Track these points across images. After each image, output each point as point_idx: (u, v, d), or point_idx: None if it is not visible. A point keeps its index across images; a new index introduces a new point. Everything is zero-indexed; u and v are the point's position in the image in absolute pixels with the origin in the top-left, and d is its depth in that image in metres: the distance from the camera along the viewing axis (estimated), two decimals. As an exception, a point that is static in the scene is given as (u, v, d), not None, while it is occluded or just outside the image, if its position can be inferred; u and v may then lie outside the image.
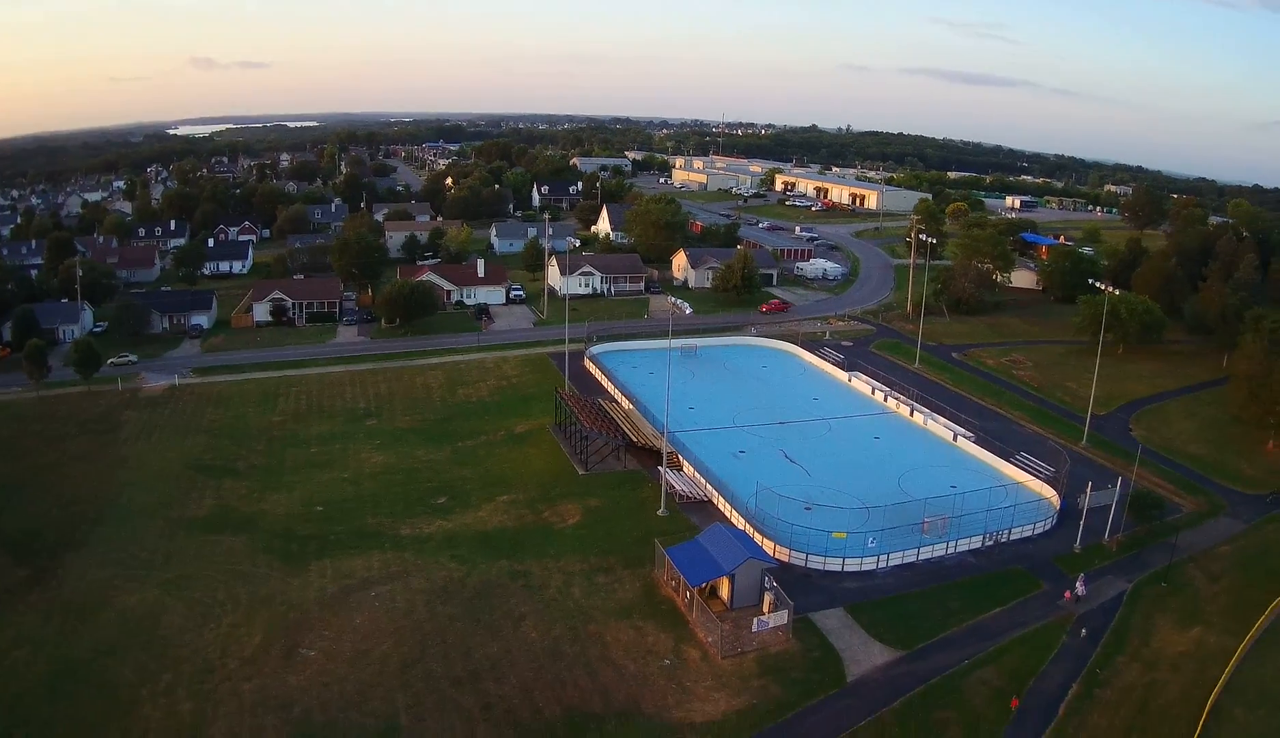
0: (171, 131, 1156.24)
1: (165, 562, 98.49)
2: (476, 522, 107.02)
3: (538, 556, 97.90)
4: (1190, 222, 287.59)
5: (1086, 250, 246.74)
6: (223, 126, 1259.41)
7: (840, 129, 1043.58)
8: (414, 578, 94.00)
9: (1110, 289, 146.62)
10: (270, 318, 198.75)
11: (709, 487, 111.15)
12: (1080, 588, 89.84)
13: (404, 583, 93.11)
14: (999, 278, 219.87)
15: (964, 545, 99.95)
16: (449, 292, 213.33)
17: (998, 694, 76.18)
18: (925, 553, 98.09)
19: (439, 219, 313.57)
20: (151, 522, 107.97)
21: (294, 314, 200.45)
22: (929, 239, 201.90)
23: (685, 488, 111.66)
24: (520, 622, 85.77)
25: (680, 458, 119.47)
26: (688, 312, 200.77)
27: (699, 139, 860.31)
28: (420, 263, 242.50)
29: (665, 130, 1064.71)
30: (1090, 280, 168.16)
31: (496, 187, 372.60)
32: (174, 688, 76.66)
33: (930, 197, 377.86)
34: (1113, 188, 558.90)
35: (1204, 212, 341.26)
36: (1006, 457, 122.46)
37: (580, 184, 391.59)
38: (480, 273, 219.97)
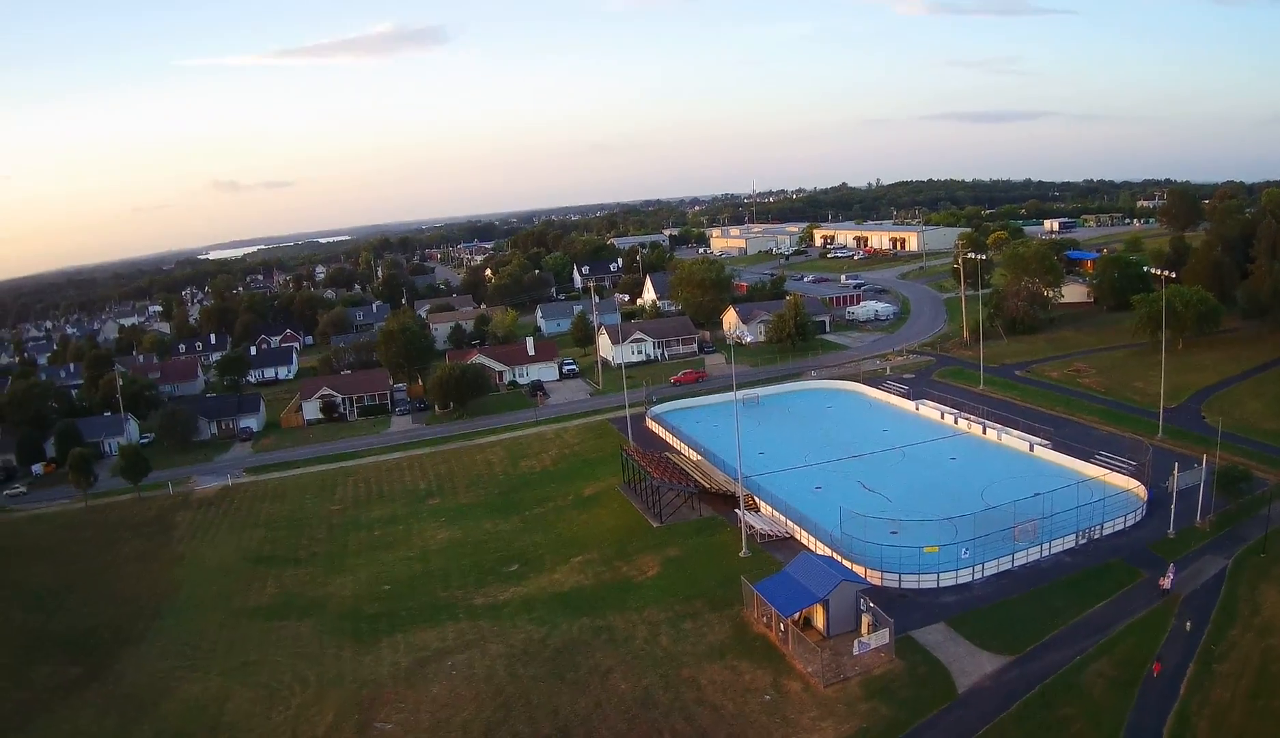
0: (202, 256, 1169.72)
1: (229, 650, 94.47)
2: (552, 584, 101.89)
3: (619, 609, 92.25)
4: (1229, 213, 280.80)
5: (1133, 258, 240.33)
6: (253, 248, 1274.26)
7: (870, 184, 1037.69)
8: (491, 644, 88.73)
9: (1167, 274, 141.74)
10: (321, 415, 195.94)
11: (789, 523, 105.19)
12: (1170, 578, 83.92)
13: (481, 650, 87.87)
14: (1049, 294, 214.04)
15: (1058, 546, 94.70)
16: (500, 372, 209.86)
17: (1114, 684, 70.56)
18: (1020, 559, 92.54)
19: (483, 306, 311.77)
20: (212, 614, 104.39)
21: (344, 409, 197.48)
22: (978, 256, 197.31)
23: (765, 527, 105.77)
24: (608, 675, 80.00)
25: (756, 499, 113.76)
26: (748, 339, 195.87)
27: (732, 211, 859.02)
28: (469, 348, 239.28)
29: (697, 206, 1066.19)
30: (1145, 269, 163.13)
31: (536, 272, 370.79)
32: (244, 775, 71.91)
33: (971, 230, 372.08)
34: (1145, 203, 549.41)
35: (1240, 203, 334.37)
36: (1086, 457, 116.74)
37: (620, 261, 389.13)
38: (530, 351, 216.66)
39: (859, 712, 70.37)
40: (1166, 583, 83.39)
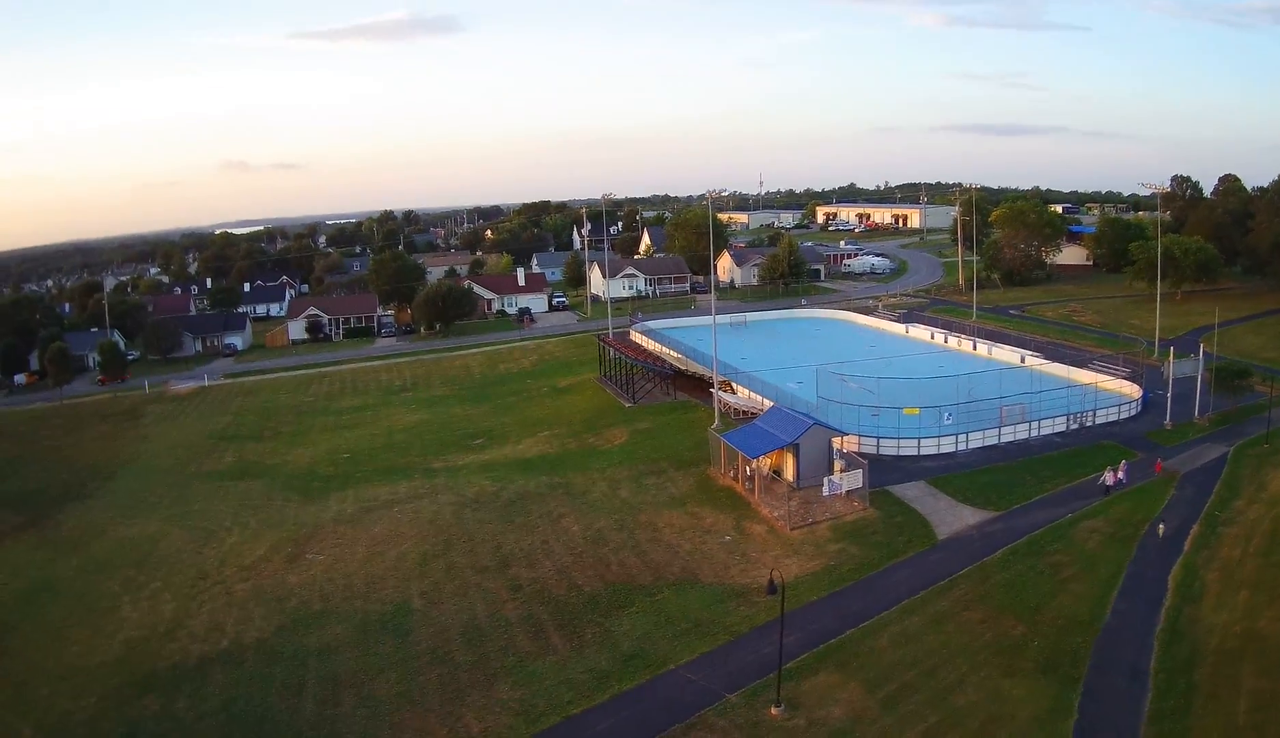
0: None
1: (173, 503, 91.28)
2: (515, 452, 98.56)
3: (581, 470, 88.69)
4: (1232, 192, 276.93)
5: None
6: (260, 227, 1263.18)
7: (879, 186, 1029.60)
8: (443, 495, 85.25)
9: (1163, 187, 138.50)
10: (306, 336, 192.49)
11: (765, 401, 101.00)
12: (1121, 475, 75.59)
13: (431, 499, 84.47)
14: (1047, 251, 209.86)
15: (1048, 428, 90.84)
16: (489, 300, 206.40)
17: (1111, 539, 65.65)
18: (1007, 435, 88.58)
19: (478, 253, 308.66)
20: (165, 476, 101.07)
21: (330, 330, 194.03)
22: (974, 185, 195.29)
23: (740, 404, 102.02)
24: (559, 519, 76.30)
25: (734, 385, 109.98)
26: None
27: (738, 203, 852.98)
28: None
29: (705, 200, 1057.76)
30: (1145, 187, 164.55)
31: (536, 230, 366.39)
32: (160, 593, 68.93)
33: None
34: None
35: (1242, 184, 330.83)
36: (1081, 365, 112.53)
37: (621, 224, 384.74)
38: (521, 281, 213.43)
39: (827, 552, 66.16)
40: (1111, 480, 75.27)
